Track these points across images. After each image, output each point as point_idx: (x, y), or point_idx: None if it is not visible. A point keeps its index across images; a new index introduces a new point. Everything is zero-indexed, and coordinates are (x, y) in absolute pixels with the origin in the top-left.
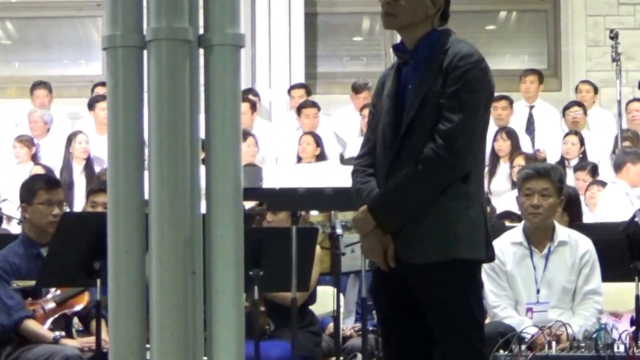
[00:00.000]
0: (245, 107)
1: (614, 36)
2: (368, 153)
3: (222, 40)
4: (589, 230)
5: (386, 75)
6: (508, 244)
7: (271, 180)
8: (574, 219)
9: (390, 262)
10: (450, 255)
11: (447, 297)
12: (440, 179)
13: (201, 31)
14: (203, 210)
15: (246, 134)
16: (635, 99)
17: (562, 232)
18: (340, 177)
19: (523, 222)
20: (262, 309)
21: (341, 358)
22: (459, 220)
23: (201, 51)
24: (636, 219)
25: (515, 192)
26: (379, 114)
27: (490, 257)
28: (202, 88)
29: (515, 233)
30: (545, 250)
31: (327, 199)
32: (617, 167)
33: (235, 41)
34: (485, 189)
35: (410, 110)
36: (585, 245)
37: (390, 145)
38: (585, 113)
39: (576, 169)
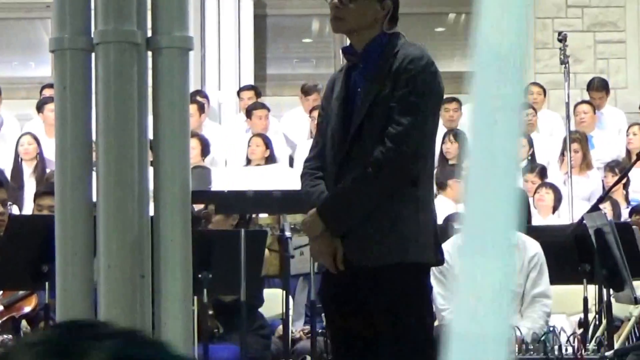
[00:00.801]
0: (193, 108)
1: (562, 39)
2: (317, 156)
3: (170, 43)
4: (537, 233)
5: (335, 78)
6: (456, 248)
7: (220, 183)
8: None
9: (339, 265)
10: (399, 258)
11: (396, 301)
12: (389, 182)
13: (149, 34)
14: (151, 212)
15: (194, 136)
16: (583, 101)
17: None
18: (289, 180)
19: None
20: (210, 311)
21: None
22: (408, 224)
23: (149, 53)
24: (584, 222)
25: None
26: (328, 117)
27: (440, 260)
28: (150, 90)
29: None
30: None
31: (276, 202)
32: None
33: (183, 44)
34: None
35: (360, 114)
36: (533, 248)
37: (340, 148)
38: (535, 115)
39: (525, 171)
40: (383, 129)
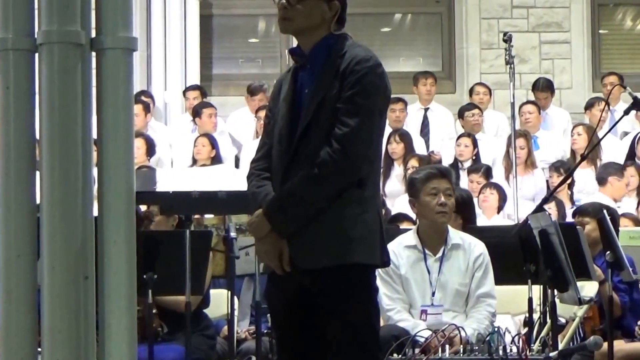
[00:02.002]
0: (138, 109)
1: (507, 39)
2: (264, 157)
3: (114, 44)
4: (482, 233)
5: (283, 79)
6: (402, 248)
7: (165, 183)
8: (468, 222)
9: (285, 266)
10: (345, 259)
11: (342, 302)
12: (335, 183)
13: (93, 34)
14: (95, 213)
15: (140, 136)
16: (528, 102)
17: (455, 235)
18: (235, 180)
19: (417, 225)
20: (154, 311)
21: None
22: (355, 225)
23: (93, 54)
24: (529, 223)
25: None
26: (275, 118)
27: (386, 262)
28: (94, 91)
29: (409, 236)
30: (439, 254)
31: (221, 203)
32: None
33: (127, 44)
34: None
35: (307, 115)
36: (478, 248)
37: (286, 149)
38: (481, 115)
39: (470, 171)
40: (330, 130)
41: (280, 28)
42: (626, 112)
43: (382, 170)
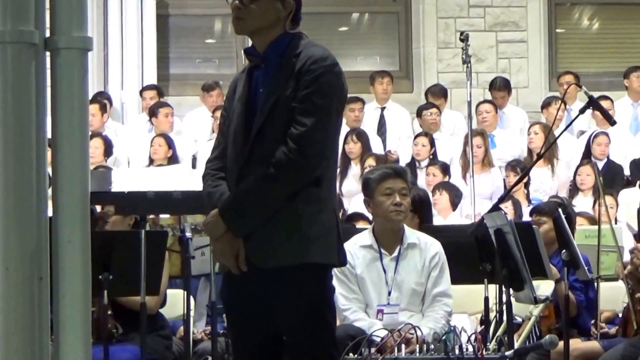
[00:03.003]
0: (95, 109)
1: (464, 38)
2: (219, 157)
3: (69, 44)
4: (439, 232)
5: (238, 78)
6: (358, 247)
7: (122, 183)
8: (424, 222)
9: (241, 266)
10: (301, 259)
11: (298, 302)
12: (291, 183)
13: (48, 34)
14: (50, 213)
15: (97, 136)
16: (485, 101)
17: (412, 234)
18: (191, 180)
19: (372, 224)
20: (110, 312)
21: None
22: (311, 225)
23: (48, 54)
24: (484, 222)
25: None
26: (231, 118)
27: (342, 261)
28: (49, 91)
29: (364, 236)
30: (395, 253)
31: (176, 203)
32: None
33: (82, 44)
34: (337, 190)
35: (262, 114)
36: (434, 247)
37: (241, 148)
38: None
39: (428, 165)
40: (285, 130)
41: (235, 29)
42: (581, 111)
43: (339, 169)
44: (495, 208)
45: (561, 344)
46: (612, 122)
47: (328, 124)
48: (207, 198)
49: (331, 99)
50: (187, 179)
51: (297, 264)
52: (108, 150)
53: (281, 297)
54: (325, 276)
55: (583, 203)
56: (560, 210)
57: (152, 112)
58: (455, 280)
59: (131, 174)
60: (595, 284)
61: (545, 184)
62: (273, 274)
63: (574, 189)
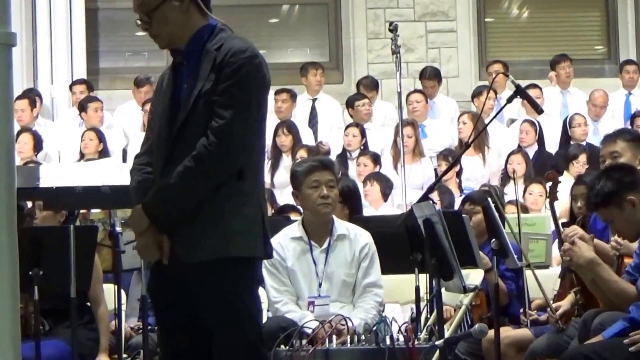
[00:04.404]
0: (25, 104)
1: (393, 29)
2: (147, 152)
3: None
4: (369, 223)
5: (165, 74)
6: (288, 240)
7: (52, 179)
8: (354, 212)
9: (164, 259)
10: (225, 253)
11: (223, 295)
12: (213, 176)
13: None
14: None
15: (27, 131)
16: (415, 91)
17: (341, 225)
18: (121, 174)
19: (302, 216)
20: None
21: (124, 356)
22: (234, 218)
23: None
24: (414, 212)
25: None
26: (157, 113)
27: (268, 254)
28: None
29: (294, 228)
30: (325, 245)
31: (105, 197)
32: None
33: (5, 40)
34: (269, 183)
35: (185, 109)
36: (364, 238)
37: (165, 143)
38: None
39: (359, 156)
40: (207, 124)
41: (158, 46)
42: (509, 100)
43: (270, 161)
44: (425, 198)
45: (491, 332)
46: (539, 111)
47: (248, 116)
48: (133, 193)
49: (251, 91)
50: (116, 173)
51: (222, 258)
52: (38, 145)
53: (206, 291)
54: (250, 269)
55: (514, 191)
56: (489, 199)
57: (82, 107)
58: (386, 270)
59: (61, 169)
60: (528, 271)
61: (477, 172)
62: (197, 268)
63: (505, 177)
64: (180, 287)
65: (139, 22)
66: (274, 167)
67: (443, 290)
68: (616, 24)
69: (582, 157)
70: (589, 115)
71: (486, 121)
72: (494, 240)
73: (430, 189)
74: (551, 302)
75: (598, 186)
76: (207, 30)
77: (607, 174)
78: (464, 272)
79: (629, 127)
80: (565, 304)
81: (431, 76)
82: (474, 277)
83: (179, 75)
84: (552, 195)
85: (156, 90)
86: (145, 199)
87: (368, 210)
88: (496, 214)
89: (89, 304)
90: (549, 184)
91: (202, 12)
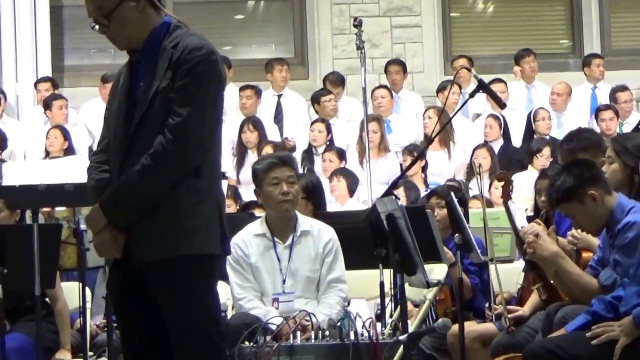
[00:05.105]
0: None
1: (357, 24)
2: (104, 150)
3: None
4: (333, 219)
5: (121, 72)
6: (251, 237)
7: (16, 177)
8: (318, 208)
9: (117, 254)
10: (183, 250)
11: (182, 293)
12: (169, 174)
13: None
14: None
15: None
16: (380, 86)
17: (305, 221)
18: (84, 172)
19: (265, 213)
20: None
21: (90, 354)
22: (192, 215)
23: None
24: (377, 208)
25: None
26: (113, 111)
27: (226, 250)
28: None
29: (257, 225)
30: (289, 241)
31: (68, 195)
32: None
33: None
34: (234, 179)
35: (142, 107)
36: (327, 234)
37: (122, 141)
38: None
39: (324, 151)
40: (164, 121)
41: (118, 47)
42: (471, 95)
43: (236, 158)
44: (388, 193)
45: (457, 326)
46: (502, 105)
47: (205, 113)
48: (91, 191)
49: (207, 87)
50: (80, 170)
51: (180, 255)
52: (2, 143)
53: (164, 289)
54: (209, 267)
55: (479, 186)
56: (452, 194)
57: (46, 105)
58: (351, 265)
59: (25, 167)
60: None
61: (442, 167)
62: (155, 266)
63: (471, 172)
64: (138, 285)
65: (96, 26)
66: (240, 164)
67: (407, 285)
68: (580, 17)
69: (546, 151)
70: (552, 106)
71: (451, 116)
72: (457, 234)
73: (394, 184)
74: (504, 301)
75: (559, 182)
76: (163, 28)
77: (567, 170)
78: (428, 267)
79: (594, 120)
80: (525, 310)
81: (396, 62)
82: (437, 271)
83: (136, 73)
84: (506, 195)
85: (112, 88)
86: (103, 197)
87: (334, 206)
88: (459, 209)
89: (47, 299)
90: (501, 183)
91: (157, 10)
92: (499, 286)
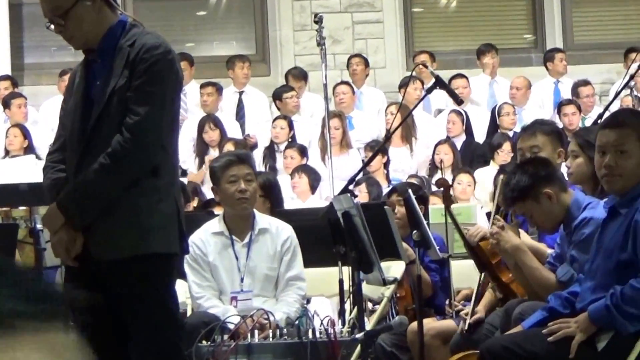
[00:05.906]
0: None
1: (318, 20)
2: (60, 149)
3: None
4: (292, 216)
5: (76, 71)
6: (209, 235)
7: None
8: (275, 206)
9: (72, 254)
10: (141, 250)
11: (140, 292)
12: (127, 173)
13: None
14: None
15: None
16: (342, 82)
17: (263, 219)
18: (40, 171)
19: (222, 211)
20: None
21: None
22: (150, 215)
23: None
24: (334, 205)
25: None
26: (69, 110)
27: (185, 250)
28: None
29: (215, 223)
30: (247, 239)
31: (23, 195)
32: None
33: None
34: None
35: (98, 106)
36: (285, 232)
37: (79, 140)
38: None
39: (286, 148)
40: (122, 120)
41: (73, 46)
42: (428, 91)
43: (197, 156)
44: (345, 190)
45: (415, 323)
46: (459, 102)
47: (163, 112)
48: (47, 191)
49: (165, 86)
50: (35, 170)
51: (138, 255)
52: None
53: (122, 289)
54: (167, 266)
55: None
56: (410, 191)
57: (5, 103)
58: (310, 263)
59: None
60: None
61: (405, 163)
62: (113, 266)
63: (433, 168)
64: (95, 285)
65: (51, 26)
66: (201, 162)
67: (364, 283)
68: (542, 12)
69: (507, 146)
70: (512, 100)
71: (415, 112)
72: (415, 231)
73: (351, 181)
74: (459, 300)
75: (514, 181)
76: (119, 26)
77: (522, 168)
78: (386, 264)
79: (557, 115)
80: (480, 309)
81: (357, 56)
82: (395, 269)
83: (92, 72)
84: (448, 200)
85: (68, 86)
86: (60, 196)
87: (296, 203)
88: (417, 206)
89: None
90: (441, 189)
91: (112, 9)
92: (451, 292)
